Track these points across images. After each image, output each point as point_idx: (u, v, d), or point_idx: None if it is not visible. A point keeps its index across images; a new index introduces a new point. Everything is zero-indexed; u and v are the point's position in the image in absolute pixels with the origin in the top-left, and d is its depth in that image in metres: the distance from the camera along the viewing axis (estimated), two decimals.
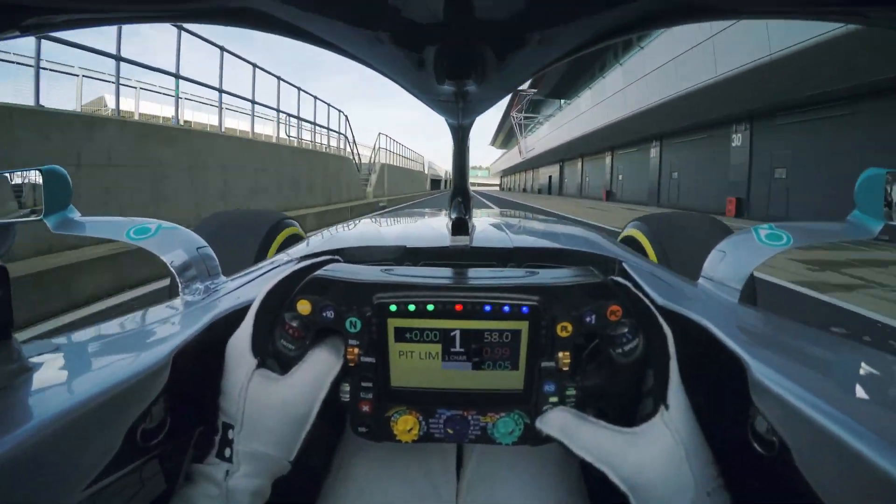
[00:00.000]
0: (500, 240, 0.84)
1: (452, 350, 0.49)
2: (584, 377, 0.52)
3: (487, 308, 0.48)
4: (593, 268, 0.55)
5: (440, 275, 0.54)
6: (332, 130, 12.56)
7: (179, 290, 0.64)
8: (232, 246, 1.18)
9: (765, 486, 0.41)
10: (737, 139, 11.63)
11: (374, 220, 1.20)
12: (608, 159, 22.50)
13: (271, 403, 0.48)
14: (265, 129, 9.55)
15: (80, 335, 0.49)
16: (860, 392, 0.40)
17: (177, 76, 6.03)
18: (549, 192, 37.18)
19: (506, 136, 65.39)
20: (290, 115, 9.78)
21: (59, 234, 0.69)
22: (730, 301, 0.61)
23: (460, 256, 0.78)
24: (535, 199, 24.55)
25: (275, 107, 9.02)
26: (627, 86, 14.09)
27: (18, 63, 5.60)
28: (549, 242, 0.85)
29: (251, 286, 0.63)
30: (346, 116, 13.79)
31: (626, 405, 0.53)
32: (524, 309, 0.48)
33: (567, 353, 0.50)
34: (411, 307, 0.48)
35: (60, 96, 6.14)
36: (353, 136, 14.33)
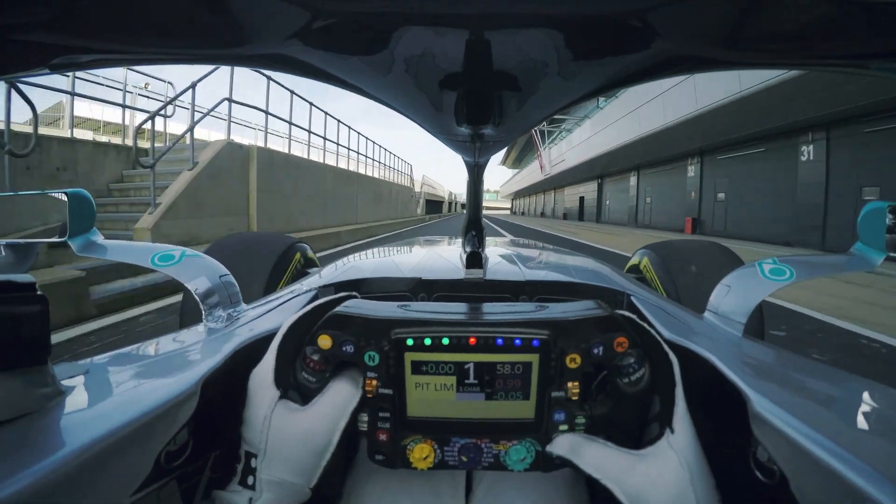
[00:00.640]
0: (513, 273, 0.86)
1: (466, 382, 0.52)
2: (592, 405, 0.54)
3: (499, 342, 0.51)
4: (601, 301, 0.57)
5: (454, 310, 0.57)
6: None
7: (203, 316, 0.65)
8: (245, 268, 1.21)
9: None
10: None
11: (390, 249, 1.23)
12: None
13: (293, 433, 0.50)
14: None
15: (108, 359, 0.51)
16: (861, 425, 0.41)
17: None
18: (579, 217, 30.44)
19: (518, 154, 60.80)
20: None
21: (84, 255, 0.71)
22: (734, 335, 0.63)
23: (474, 289, 0.80)
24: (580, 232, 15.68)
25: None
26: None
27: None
28: (559, 275, 0.88)
29: (272, 315, 0.66)
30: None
31: (633, 432, 0.54)
32: (535, 342, 0.51)
33: (576, 383, 0.52)
34: (427, 341, 0.51)
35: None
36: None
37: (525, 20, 0.27)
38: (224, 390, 0.51)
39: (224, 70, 8.64)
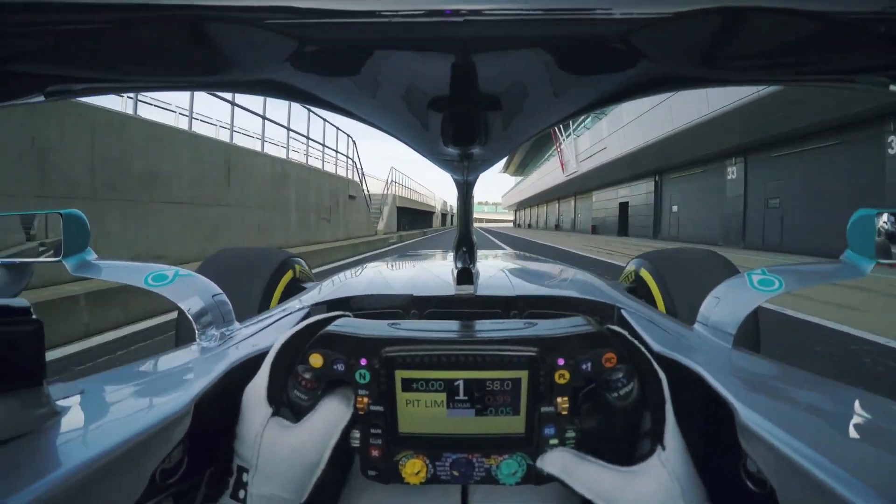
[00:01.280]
0: (503, 287, 0.88)
1: (456, 398, 0.53)
2: (582, 420, 0.55)
3: (489, 359, 0.52)
4: (589, 317, 0.58)
5: (444, 327, 0.58)
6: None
7: (196, 335, 0.66)
8: (240, 283, 1.22)
9: None
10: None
11: (381, 265, 1.24)
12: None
13: (285, 450, 0.52)
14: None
15: (103, 378, 0.52)
16: (849, 435, 0.42)
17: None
18: (621, 230, 22.86)
19: (522, 160, 56.48)
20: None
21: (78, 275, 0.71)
22: (724, 346, 0.64)
23: (465, 304, 0.81)
24: None
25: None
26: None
27: None
28: (549, 290, 0.89)
29: (265, 333, 0.68)
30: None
31: (623, 446, 0.55)
32: (523, 359, 0.52)
33: (565, 398, 0.53)
34: (417, 359, 0.52)
35: None
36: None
37: (507, 43, 0.28)
38: (218, 408, 0.52)
39: None
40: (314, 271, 1.56)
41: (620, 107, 17.34)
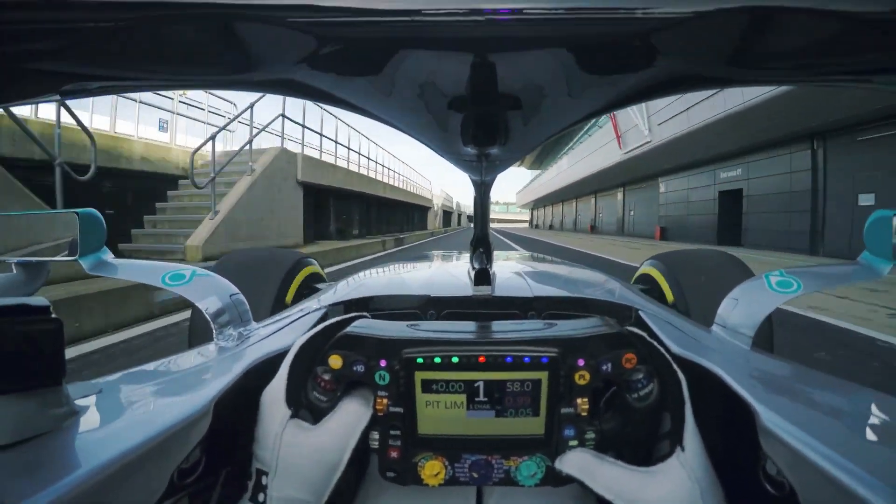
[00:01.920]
0: (521, 289, 0.88)
1: (476, 399, 0.53)
2: (602, 421, 0.55)
3: (509, 360, 0.52)
4: (609, 318, 0.58)
5: (463, 328, 0.58)
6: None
7: (213, 335, 0.66)
8: (254, 284, 1.24)
9: None
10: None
11: (397, 266, 1.25)
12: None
13: (304, 452, 0.52)
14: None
15: (121, 378, 0.52)
16: (869, 437, 0.42)
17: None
18: (730, 236, 13.60)
19: (539, 153, 50.06)
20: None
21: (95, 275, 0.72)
22: (742, 348, 0.63)
23: (483, 305, 0.82)
24: None
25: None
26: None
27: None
28: (567, 291, 0.89)
29: (283, 334, 0.68)
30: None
31: (643, 447, 0.55)
32: (543, 360, 0.52)
33: (585, 399, 0.53)
34: (437, 360, 0.52)
35: None
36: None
37: (527, 43, 0.28)
38: (236, 409, 0.52)
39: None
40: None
41: None
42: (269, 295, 1.25)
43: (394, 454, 0.55)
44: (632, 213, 23.08)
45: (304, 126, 9.20)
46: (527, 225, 73.07)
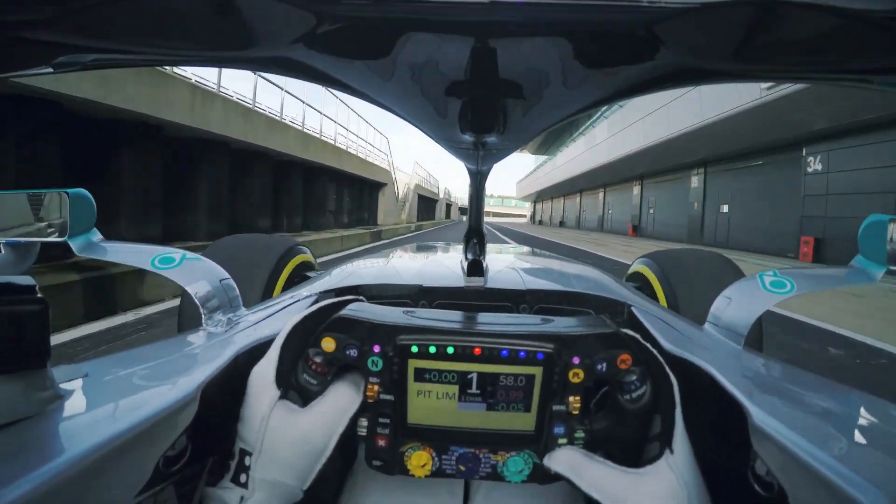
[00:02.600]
0: (514, 281, 0.87)
1: (469, 391, 0.53)
2: (593, 420, 0.55)
3: (504, 353, 0.52)
4: (606, 317, 0.58)
5: (459, 318, 0.58)
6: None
7: (203, 320, 0.65)
8: (245, 270, 1.23)
9: None
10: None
11: (390, 255, 1.24)
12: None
13: (291, 434, 0.52)
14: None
15: (107, 362, 0.52)
16: (859, 439, 0.42)
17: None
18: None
19: (547, 136, 41.00)
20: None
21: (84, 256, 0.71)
22: (735, 347, 0.64)
23: (475, 297, 0.82)
24: None
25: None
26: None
27: None
28: (560, 285, 0.89)
29: (273, 320, 0.68)
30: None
31: (632, 448, 0.55)
32: (539, 355, 0.52)
33: (578, 398, 0.53)
34: (432, 349, 0.52)
35: None
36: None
37: (530, 29, 0.27)
38: (224, 395, 0.52)
39: None
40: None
41: None
42: (259, 281, 1.25)
43: (381, 442, 0.55)
44: (706, 200, 16.08)
45: None
46: (525, 220, 67.69)
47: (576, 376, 0.53)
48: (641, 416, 0.54)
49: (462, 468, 0.55)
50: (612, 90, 0.37)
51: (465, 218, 0.84)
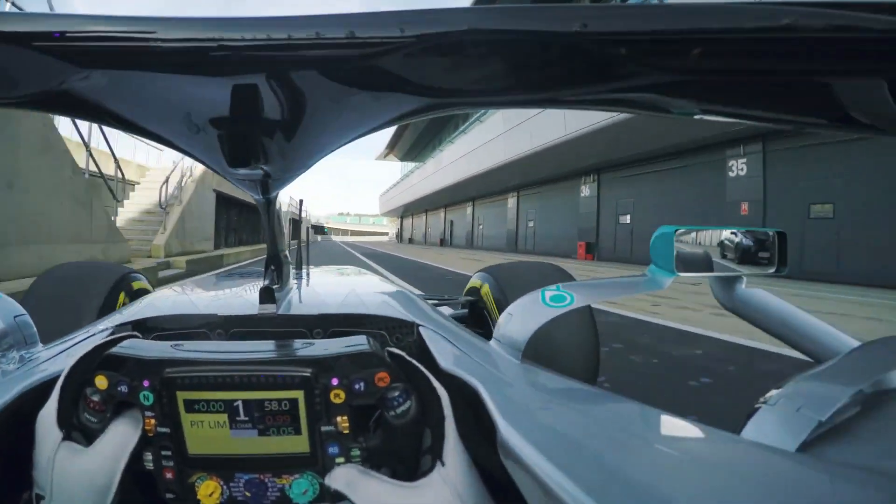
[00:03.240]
0: (308, 307, 0.89)
1: (238, 419, 0.54)
2: (367, 438, 0.58)
3: (265, 378, 0.54)
4: (371, 337, 0.62)
5: (228, 349, 0.59)
6: None
7: None
8: (76, 300, 1.20)
9: None
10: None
11: (197, 283, 1.21)
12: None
13: (77, 474, 0.51)
14: None
15: None
16: (597, 446, 0.44)
17: None
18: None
19: (416, 139, 38.61)
20: None
21: None
22: (513, 361, 0.68)
23: (269, 324, 0.81)
24: None
25: None
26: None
27: None
28: (353, 308, 0.90)
29: (65, 356, 0.64)
30: None
31: (407, 462, 0.58)
32: (297, 379, 0.54)
33: (345, 418, 0.56)
34: (196, 380, 0.53)
35: None
36: None
37: (281, 68, 0.29)
38: (12, 434, 0.50)
39: None
40: None
41: None
42: (92, 311, 1.19)
43: (168, 475, 0.55)
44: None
45: None
46: (386, 238, 59.25)
47: (337, 397, 0.55)
48: (410, 430, 0.56)
49: (249, 494, 0.56)
50: (378, 117, 0.40)
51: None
